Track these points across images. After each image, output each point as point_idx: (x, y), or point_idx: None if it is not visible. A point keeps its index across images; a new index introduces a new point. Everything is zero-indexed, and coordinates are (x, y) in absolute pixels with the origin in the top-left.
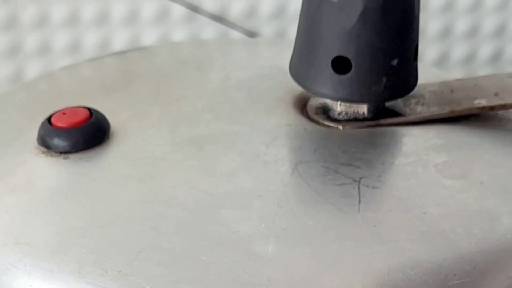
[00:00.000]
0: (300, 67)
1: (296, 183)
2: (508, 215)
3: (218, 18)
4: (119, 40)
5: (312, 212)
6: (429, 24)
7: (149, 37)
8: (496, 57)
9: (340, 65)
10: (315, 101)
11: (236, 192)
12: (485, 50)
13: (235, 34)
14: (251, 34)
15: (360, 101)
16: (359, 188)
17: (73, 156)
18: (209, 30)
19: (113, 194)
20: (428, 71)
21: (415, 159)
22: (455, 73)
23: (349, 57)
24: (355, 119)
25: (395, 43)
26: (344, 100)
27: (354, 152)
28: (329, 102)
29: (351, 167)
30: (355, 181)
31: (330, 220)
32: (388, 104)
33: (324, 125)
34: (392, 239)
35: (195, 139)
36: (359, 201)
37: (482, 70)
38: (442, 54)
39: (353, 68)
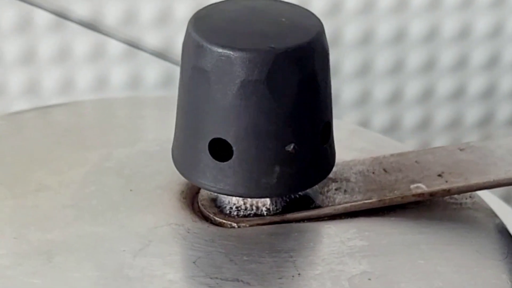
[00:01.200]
0: (178, 150)
1: None
2: None
3: (161, 54)
4: (50, 81)
5: None
6: (411, 57)
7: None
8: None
9: (221, 149)
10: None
11: None
12: (476, 82)
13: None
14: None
15: (247, 195)
16: None
17: None
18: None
19: None
20: (371, 137)
21: (324, 270)
22: (407, 139)
23: (229, 140)
24: (255, 213)
25: (288, 124)
26: (226, 193)
27: (245, 262)
28: None
29: (238, 283)
30: None
31: None
32: None
33: (215, 221)
34: None
35: (46, 247)
36: None
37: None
38: (426, 88)
39: (234, 154)
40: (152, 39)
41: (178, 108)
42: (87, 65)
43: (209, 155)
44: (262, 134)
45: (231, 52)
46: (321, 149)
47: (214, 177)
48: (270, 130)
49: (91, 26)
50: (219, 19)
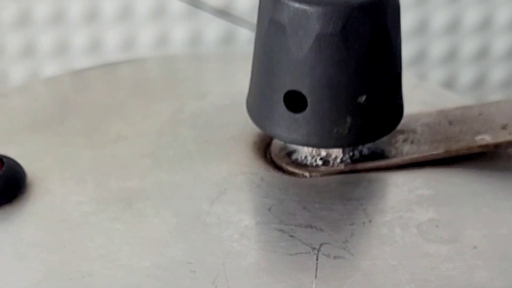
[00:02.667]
0: (253, 101)
1: (240, 253)
2: None
3: (222, 13)
4: (112, 39)
5: None
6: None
7: (145, 36)
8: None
9: (296, 101)
10: (280, 141)
11: (164, 267)
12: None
13: (241, 31)
14: None
15: (320, 145)
16: (317, 258)
17: None
18: (212, 27)
19: (13, 269)
20: (432, 91)
21: (394, 217)
22: (463, 97)
23: (303, 92)
24: (327, 163)
25: (361, 76)
26: (299, 143)
27: (318, 209)
28: None
29: (311, 229)
30: (314, 249)
31: None
32: None
33: (287, 171)
34: None
35: (125, 194)
36: (316, 277)
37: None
38: (450, 76)
39: (308, 106)
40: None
41: (254, 61)
42: (149, 23)
43: (284, 107)
44: (335, 86)
45: (307, 7)
46: (391, 101)
47: (288, 127)
48: (343, 82)
49: None
50: None
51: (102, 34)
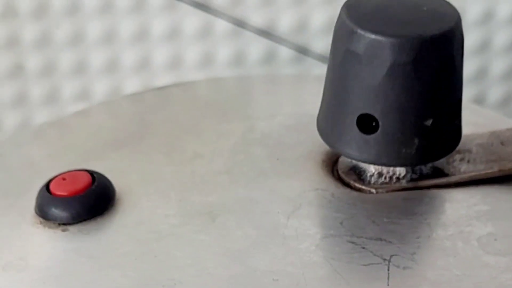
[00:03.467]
0: (325, 123)
1: (317, 263)
2: None
3: (265, 33)
4: (158, 58)
5: None
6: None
7: (190, 55)
8: None
9: (367, 124)
10: (347, 159)
11: (249, 275)
12: None
13: (284, 50)
14: (302, 50)
15: (389, 164)
16: (388, 269)
17: (72, 228)
18: (255, 47)
19: (110, 277)
20: (483, 114)
21: (456, 231)
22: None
23: (376, 115)
24: (391, 181)
25: (429, 101)
26: (370, 162)
27: (386, 223)
28: None
29: (381, 242)
30: (384, 260)
31: None
32: None
33: (355, 187)
34: None
35: (207, 208)
36: (388, 285)
37: None
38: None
39: (380, 128)
40: (256, 19)
41: (327, 87)
42: (195, 43)
43: (357, 129)
44: (405, 110)
45: (383, 38)
46: (453, 124)
47: (359, 148)
48: (412, 107)
49: (201, 6)
50: (369, 7)
51: (150, 53)
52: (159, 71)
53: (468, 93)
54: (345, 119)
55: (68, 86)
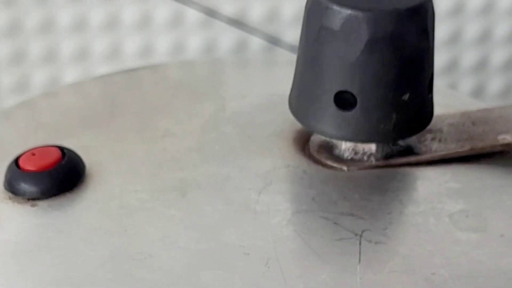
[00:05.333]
0: (299, 102)
1: (288, 238)
2: None
3: (237, 23)
4: (130, 47)
5: (304, 273)
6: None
7: (161, 44)
8: None
9: (344, 100)
10: (319, 137)
11: (219, 250)
12: None
13: (255, 40)
14: (273, 40)
15: (367, 140)
16: (360, 243)
17: (42, 203)
18: (227, 36)
19: (80, 251)
20: (454, 97)
21: (427, 208)
22: (485, 102)
23: (354, 92)
24: (362, 159)
25: (406, 76)
26: (348, 139)
27: (357, 199)
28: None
29: (353, 217)
30: (356, 235)
31: (325, 284)
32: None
33: (327, 165)
34: None
35: (178, 184)
36: (359, 260)
37: None
38: (479, 85)
39: (358, 104)
40: (227, 8)
41: (300, 65)
42: (166, 31)
43: (335, 106)
44: (383, 85)
45: (360, 13)
46: (427, 99)
47: (338, 125)
48: (390, 81)
49: None
50: None
51: (121, 42)
52: (130, 60)
53: (467, 84)
54: (321, 97)
55: (37, 74)
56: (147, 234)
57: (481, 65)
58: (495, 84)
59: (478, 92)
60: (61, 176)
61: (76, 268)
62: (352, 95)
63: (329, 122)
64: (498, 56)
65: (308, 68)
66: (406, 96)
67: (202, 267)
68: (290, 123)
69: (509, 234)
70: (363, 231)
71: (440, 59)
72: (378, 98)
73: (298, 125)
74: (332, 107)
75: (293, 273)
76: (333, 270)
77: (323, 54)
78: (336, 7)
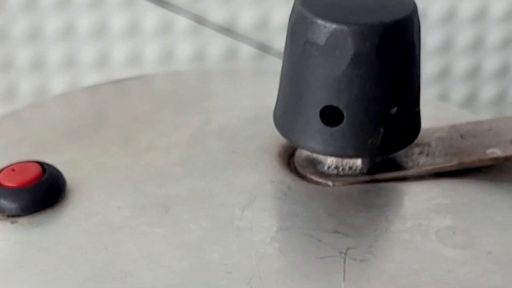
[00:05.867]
0: (284, 117)
1: (272, 256)
2: None
3: (226, 30)
4: (119, 55)
5: None
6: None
7: (150, 52)
8: None
9: (330, 115)
10: (304, 151)
11: (202, 268)
12: None
13: (244, 48)
14: (263, 47)
15: (354, 156)
16: (345, 262)
17: (22, 220)
18: (216, 44)
19: (60, 269)
20: (444, 109)
21: (414, 224)
22: (478, 113)
23: (340, 106)
24: (348, 174)
25: (393, 89)
26: (335, 155)
27: (343, 216)
28: None
29: (338, 234)
30: (341, 253)
31: None
32: None
33: (312, 180)
34: None
35: (161, 200)
36: (344, 279)
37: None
38: (470, 94)
39: (345, 119)
40: (216, 16)
41: (284, 80)
42: (155, 39)
43: (320, 122)
44: (370, 99)
45: (345, 27)
46: (414, 112)
47: (324, 141)
48: (377, 95)
49: (161, 3)
50: None
51: (109, 49)
52: (118, 68)
53: (459, 93)
54: (307, 112)
55: (25, 82)
56: (129, 252)
57: (473, 73)
58: (487, 92)
59: (470, 100)
60: (41, 192)
61: (56, 286)
62: (339, 110)
63: (315, 138)
64: (490, 64)
65: (293, 83)
66: (393, 110)
67: (184, 286)
68: (276, 137)
69: (497, 251)
70: (348, 249)
71: (432, 66)
72: (365, 113)
73: (283, 139)
74: (318, 123)
75: None
76: None
77: (309, 69)
78: (321, 22)
